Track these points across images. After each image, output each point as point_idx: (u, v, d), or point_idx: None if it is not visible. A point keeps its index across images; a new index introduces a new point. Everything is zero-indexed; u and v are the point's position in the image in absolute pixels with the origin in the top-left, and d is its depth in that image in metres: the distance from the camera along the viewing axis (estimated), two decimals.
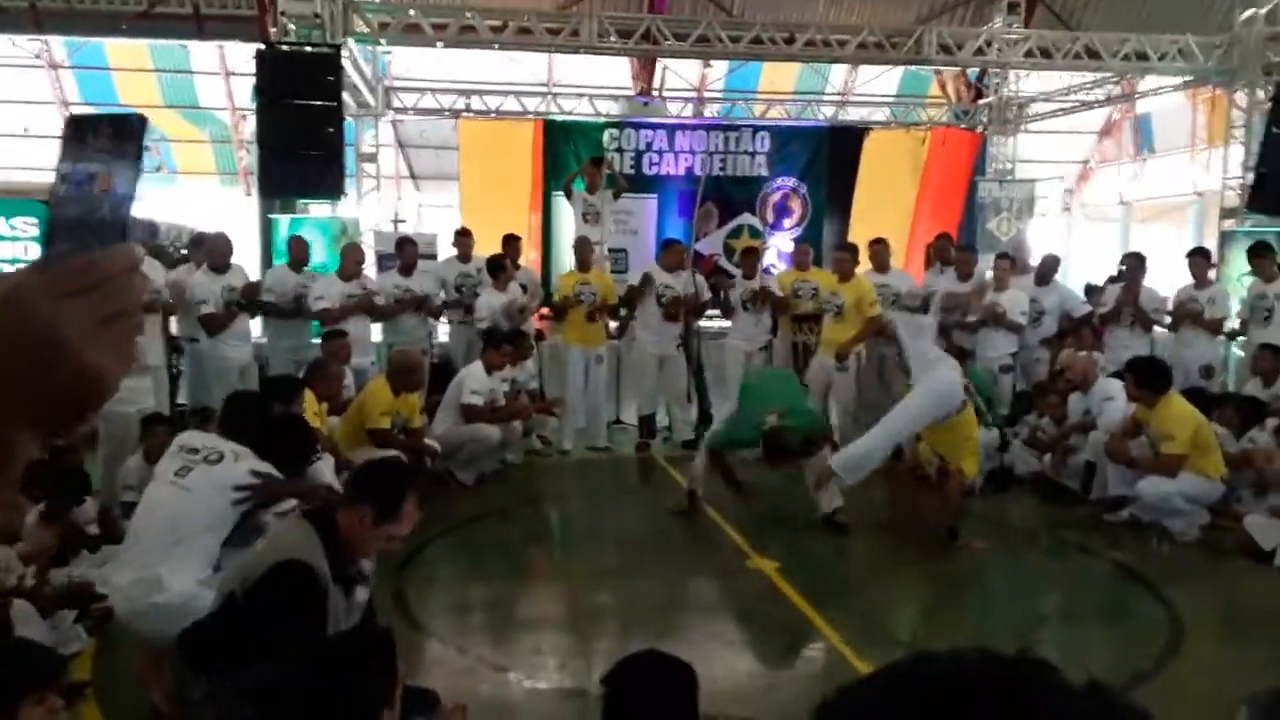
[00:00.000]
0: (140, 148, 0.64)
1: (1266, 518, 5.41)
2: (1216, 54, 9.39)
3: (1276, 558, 5.16)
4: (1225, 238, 9.22)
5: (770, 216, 10.86)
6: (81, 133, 0.64)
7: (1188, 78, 10.22)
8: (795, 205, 10.95)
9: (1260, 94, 9.09)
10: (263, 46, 7.83)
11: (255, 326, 7.23)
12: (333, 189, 7.99)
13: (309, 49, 7.92)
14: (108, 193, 0.62)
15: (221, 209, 13.12)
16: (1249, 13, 9.11)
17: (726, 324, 8.52)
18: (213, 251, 6.77)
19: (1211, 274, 7.66)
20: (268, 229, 8.86)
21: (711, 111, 13.16)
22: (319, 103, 7.65)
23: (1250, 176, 8.94)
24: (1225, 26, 9.37)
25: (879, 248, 7.98)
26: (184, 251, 7.95)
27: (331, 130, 7.64)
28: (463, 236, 8.15)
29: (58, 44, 12.91)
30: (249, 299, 6.73)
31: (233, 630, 2.26)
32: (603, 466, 7.62)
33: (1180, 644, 4.27)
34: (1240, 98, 9.48)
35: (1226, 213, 9.58)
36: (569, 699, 3.73)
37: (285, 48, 7.94)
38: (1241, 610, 5.04)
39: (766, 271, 9.12)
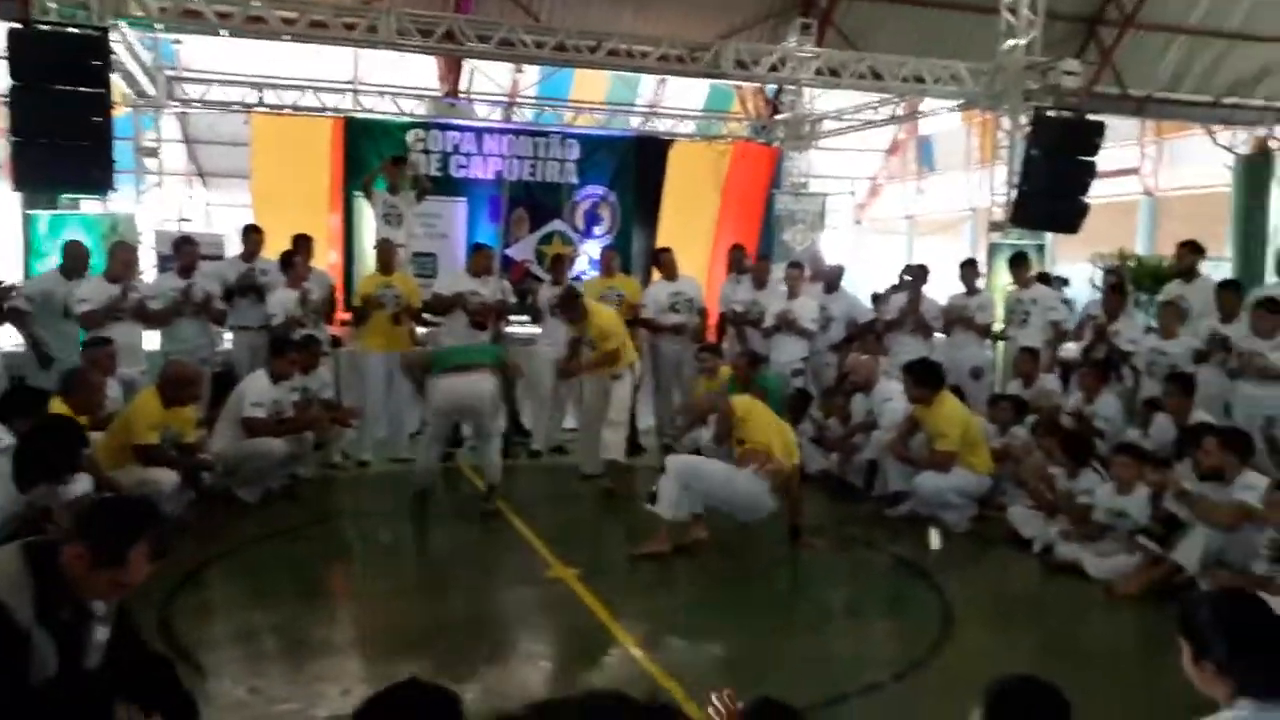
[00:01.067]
0: None
1: (1026, 509, 5.88)
2: (984, 80, 10.21)
3: (1034, 545, 5.62)
4: (992, 249, 10.03)
5: (581, 223, 10.90)
6: None
7: (960, 101, 11.05)
8: (605, 213, 11.04)
9: (1023, 119, 9.95)
10: (18, 25, 7.06)
11: (7, 335, 6.53)
12: (98, 183, 7.31)
13: (72, 30, 7.22)
14: None
15: None
16: (1010, 43, 9.96)
17: (536, 330, 8.46)
18: None
19: (980, 283, 8.31)
20: (27, 226, 8.03)
21: (522, 118, 13.07)
22: (83, 89, 6.98)
23: (1014, 194, 9.76)
24: (991, 55, 10.20)
25: (666, 257, 8.25)
26: None
27: (97, 119, 6.98)
28: (252, 233, 7.69)
29: None
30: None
31: None
32: (404, 478, 7.34)
33: (952, 630, 4.56)
34: (1005, 122, 10.35)
35: (994, 226, 10.42)
36: None
37: (45, 27, 7.20)
38: (1005, 596, 5.45)
39: (577, 278, 9.14)
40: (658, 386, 8.26)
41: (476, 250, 8.18)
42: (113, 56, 7.74)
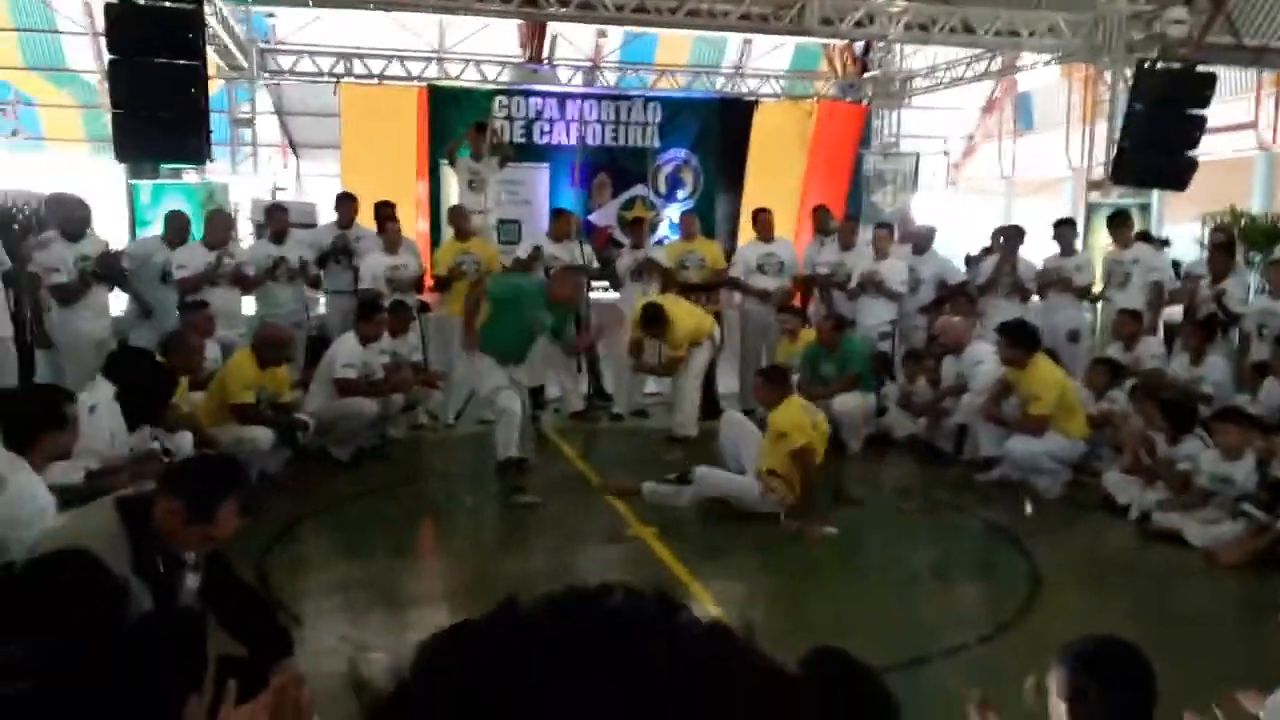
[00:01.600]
0: None
1: (1122, 475, 5.66)
2: (1083, 31, 9.72)
3: (1131, 511, 5.41)
4: (1091, 209, 9.60)
5: (663, 187, 10.84)
6: None
7: (1058, 54, 10.56)
8: (687, 176, 10.95)
9: (1127, 72, 9.46)
10: (115, 1, 7.32)
11: (115, 300, 6.83)
12: (195, 153, 7.56)
13: (167, 4, 7.45)
14: None
15: (90, 177, 12.38)
16: None
17: (616, 295, 8.47)
18: (65, 217, 6.34)
19: (1078, 243, 7.97)
20: (131, 196, 8.38)
21: (606, 82, 13.02)
22: (179, 62, 7.21)
23: (1114, 151, 9.31)
24: (1091, 5, 9.70)
25: (763, 217, 8.08)
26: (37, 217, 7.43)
27: (193, 91, 7.20)
28: (347, 200, 7.87)
29: None
30: (106, 269, 6.33)
31: (8, 604, 2.09)
32: (490, 440, 7.47)
33: (1040, 595, 4.44)
34: (1107, 75, 9.85)
35: (1093, 185, 9.97)
36: None
37: (141, 2, 7.45)
38: (1098, 561, 5.28)
39: (658, 243, 9.11)
40: (744, 349, 8.18)
41: (557, 215, 8.21)
42: (207, 30, 7.97)
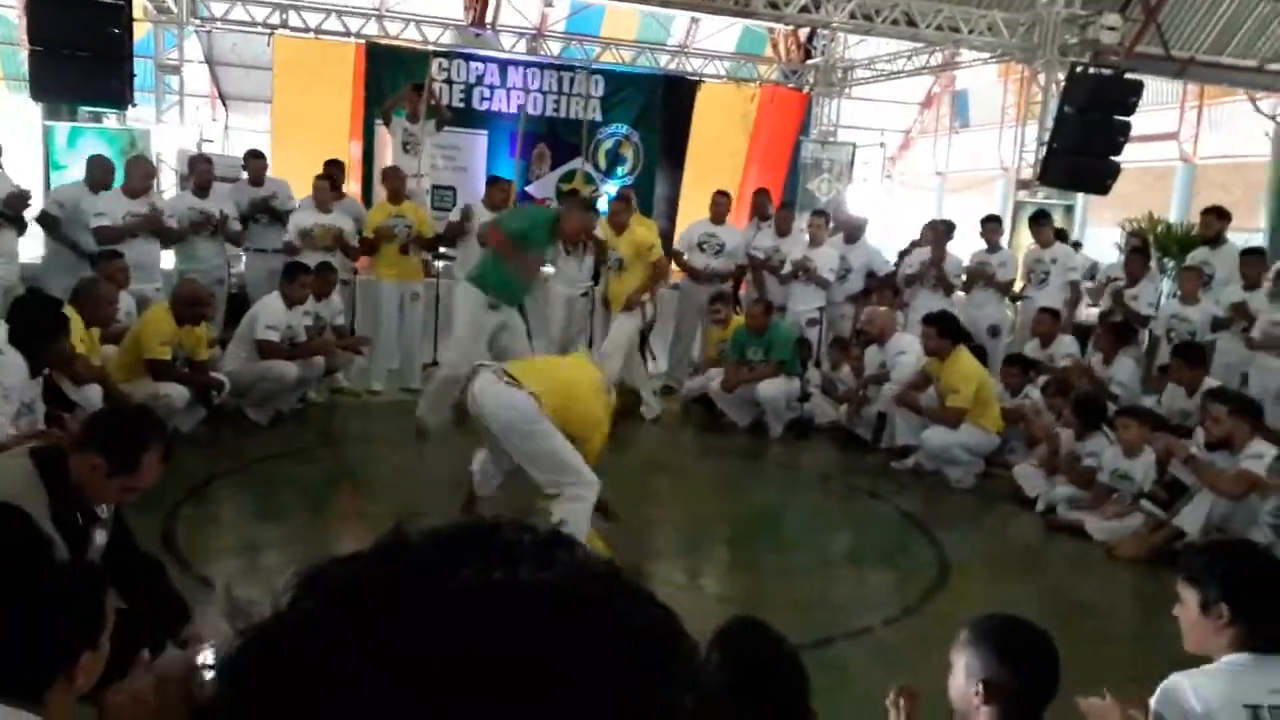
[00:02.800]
0: None
1: (1032, 467, 5.85)
2: (1020, 32, 9.93)
3: (1039, 504, 5.60)
4: (1018, 208, 9.85)
5: (603, 163, 10.76)
6: None
7: (996, 53, 10.77)
8: (628, 153, 10.89)
9: (1059, 74, 9.69)
10: None
11: (33, 246, 6.56)
12: (116, 96, 7.26)
13: None
14: None
15: (3, 116, 11.80)
16: None
17: (550, 269, 8.40)
18: None
19: (1003, 240, 8.18)
20: (46, 137, 8.01)
21: (549, 52, 12.85)
22: (102, 1, 6.90)
23: (1043, 151, 9.56)
24: (1030, 5, 9.90)
25: (721, 200, 8.12)
26: None
27: (116, 31, 6.91)
28: (254, 158, 7.65)
29: None
30: (14, 210, 6.07)
31: None
32: (413, 408, 7.37)
33: (947, 581, 4.57)
34: (1040, 76, 10.08)
35: (1021, 184, 10.22)
36: None
37: None
38: (1004, 551, 5.47)
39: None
40: (678, 328, 8.20)
41: (493, 183, 8.10)
42: None
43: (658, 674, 0.48)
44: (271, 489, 5.40)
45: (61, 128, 7.74)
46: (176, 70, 10.59)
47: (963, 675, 1.94)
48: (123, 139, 7.88)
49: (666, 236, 8.89)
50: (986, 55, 11.03)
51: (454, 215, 7.89)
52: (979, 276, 7.68)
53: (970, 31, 9.89)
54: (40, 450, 2.62)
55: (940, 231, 7.95)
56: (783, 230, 8.13)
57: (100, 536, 2.66)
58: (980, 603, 4.44)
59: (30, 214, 6.31)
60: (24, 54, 13.02)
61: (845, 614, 4.12)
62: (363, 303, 7.78)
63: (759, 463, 6.60)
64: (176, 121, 10.49)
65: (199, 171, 7.06)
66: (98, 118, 8.41)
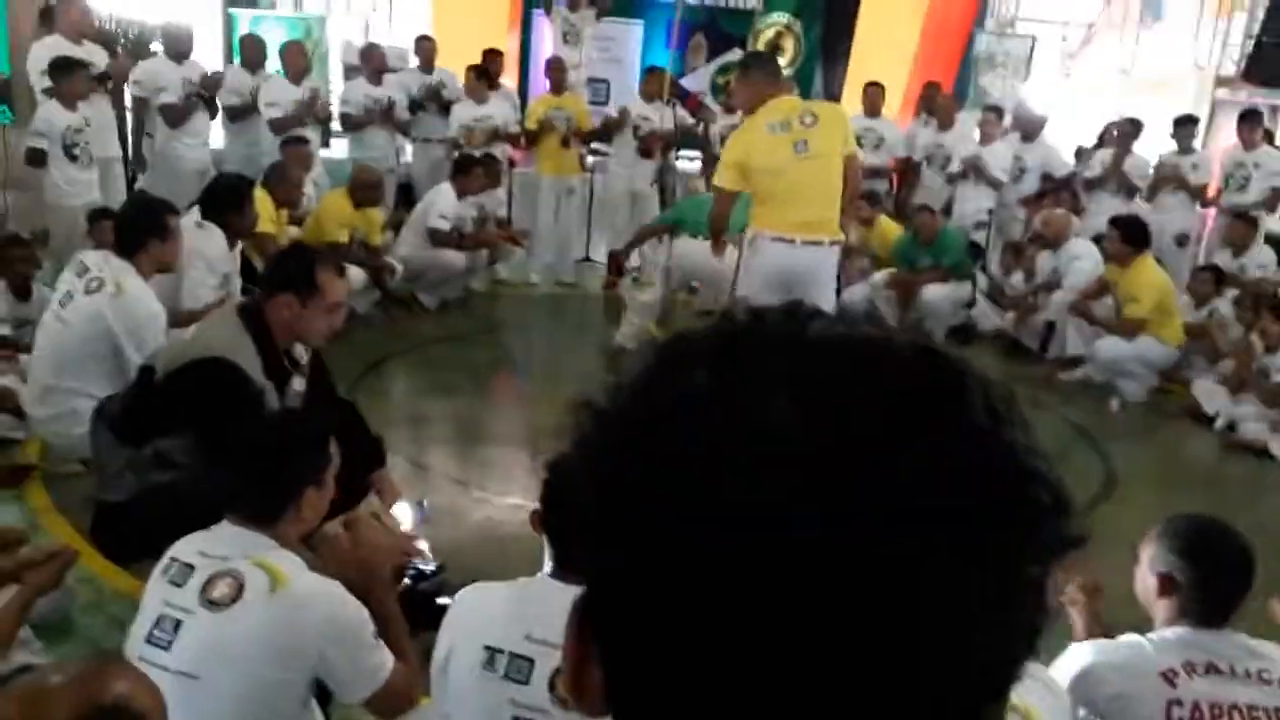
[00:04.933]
0: None
1: (1213, 384, 5.51)
2: None
3: (1217, 421, 5.29)
4: (1216, 107, 9.02)
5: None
6: None
7: None
8: (788, 44, 10.51)
9: None
10: None
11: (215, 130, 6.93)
12: None
13: None
14: None
15: (184, 3, 12.38)
16: None
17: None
18: (171, 40, 6.45)
19: (1197, 142, 7.53)
20: (228, 24, 8.38)
21: None
22: None
23: (1250, 46, 8.65)
24: None
25: (873, 91, 7.75)
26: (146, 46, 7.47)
27: None
28: (423, 41, 7.74)
29: None
30: (210, 91, 6.44)
31: (152, 409, 2.24)
32: (570, 301, 7.56)
33: (1112, 493, 4.42)
34: None
35: (1221, 82, 9.33)
36: (517, 510, 3.79)
37: None
38: (1177, 467, 5.22)
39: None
40: None
41: (649, 73, 7.99)
42: None
43: (1013, 413, 0.48)
44: (439, 369, 5.67)
45: (244, 16, 8.07)
46: None
47: (1145, 567, 1.92)
48: (301, 27, 8.15)
49: None
50: None
51: (612, 111, 7.83)
52: (1170, 180, 7.12)
53: None
54: (244, 307, 2.84)
55: (1126, 131, 7.38)
56: (945, 123, 7.70)
57: (298, 383, 2.88)
58: (1149, 515, 4.20)
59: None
60: None
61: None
62: (520, 196, 7.91)
63: None
64: (344, 10, 10.77)
65: (373, 59, 7.23)
66: (273, 5, 8.71)
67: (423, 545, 2.38)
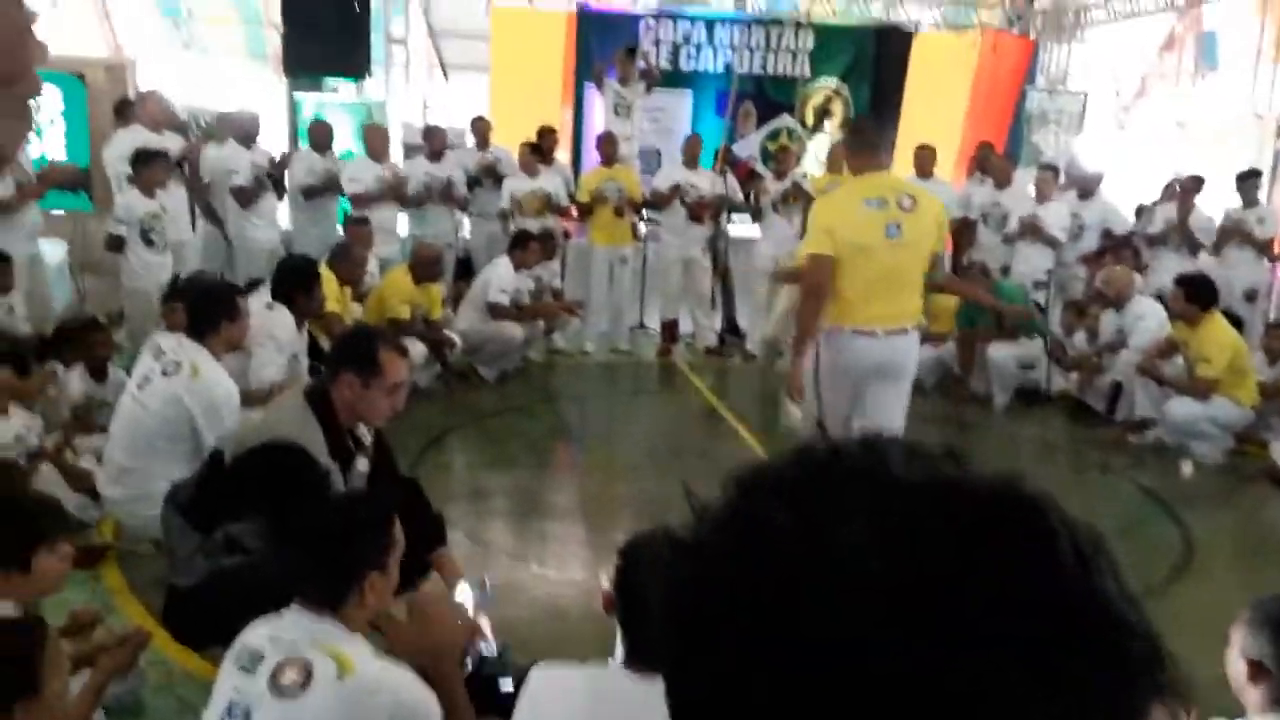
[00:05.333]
0: None
1: None
2: None
3: None
4: (1278, 157, 8.84)
5: (810, 119, 10.55)
6: None
7: None
8: (837, 108, 10.62)
9: None
10: None
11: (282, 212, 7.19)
12: (357, 68, 7.84)
13: None
14: None
15: (250, 89, 12.95)
16: None
17: (756, 229, 8.35)
18: (240, 126, 6.76)
19: (1262, 195, 7.38)
20: (293, 111, 8.72)
21: (755, 7, 12.66)
22: None
23: None
24: None
25: (923, 153, 7.76)
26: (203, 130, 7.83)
27: (357, 9, 7.43)
28: (479, 121, 8.02)
29: None
30: (278, 173, 6.71)
31: (221, 493, 2.30)
32: (624, 369, 7.61)
33: (1192, 564, 4.25)
34: None
35: None
36: (577, 586, 3.77)
37: None
38: (1257, 535, 5.00)
39: (804, 176, 8.90)
40: None
41: (690, 139, 8.14)
42: None
43: (1100, 557, 0.48)
44: (498, 442, 5.72)
45: (309, 100, 8.41)
46: (402, 42, 11.25)
47: (1235, 652, 1.85)
48: (362, 111, 8.47)
49: None
50: None
51: (661, 185, 7.95)
52: (1235, 235, 6.97)
53: None
54: (310, 390, 2.91)
55: (1188, 187, 7.27)
56: (1001, 182, 7.66)
57: (363, 464, 2.92)
58: (1231, 587, 4.10)
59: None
60: (267, 32, 14.30)
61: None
62: (574, 266, 8.04)
63: (979, 432, 6.33)
64: (402, 92, 11.17)
65: (434, 140, 7.50)
66: (334, 91, 9.08)
67: (485, 627, 2.38)
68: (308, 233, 6.94)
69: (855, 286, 3.67)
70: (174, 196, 6.05)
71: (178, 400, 3.48)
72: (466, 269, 7.52)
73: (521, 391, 6.59)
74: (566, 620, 3.38)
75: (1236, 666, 1.87)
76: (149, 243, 5.65)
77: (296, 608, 1.90)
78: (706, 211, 7.71)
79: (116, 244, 5.63)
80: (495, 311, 6.41)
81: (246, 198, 6.59)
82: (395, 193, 7.02)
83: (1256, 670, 1.81)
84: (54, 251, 6.75)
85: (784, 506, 0.47)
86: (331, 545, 1.94)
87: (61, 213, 6.90)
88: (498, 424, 5.92)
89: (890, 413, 3.80)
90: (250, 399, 3.87)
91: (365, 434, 2.90)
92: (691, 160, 7.82)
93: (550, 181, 7.58)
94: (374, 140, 7.11)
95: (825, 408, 3.83)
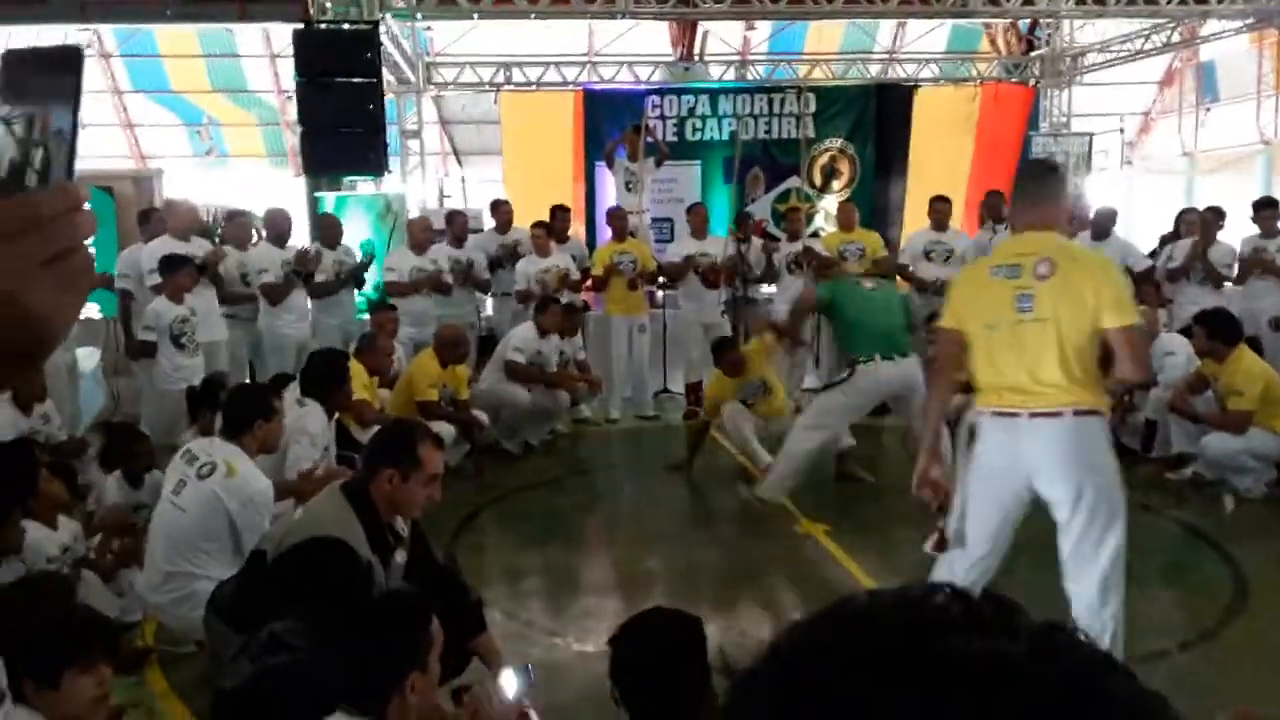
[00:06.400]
0: (78, 80, 0.61)
1: None
2: None
3: None
4: None
5: (818, 179, 10.70)
6: (18, 72, 0.61)
7: (1249, 20, 9.77)
8: (843, 166, 10.77)
9: None
10: (300, 26, 7.86)
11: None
12: (376, 165, 8.05)
13: (346, 27, 7.94)
14: (45, 132, 0.60)
15: (272, 190, 13.32)
16: None
17: (772, 289, 8.41)
18: (273, 225, 6.98)
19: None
20: (314, 208, 8.94)
21: (755, 75, 12.95)
22: (359, 80, 7.68)
23: None
24: None
25: (941, 206, 7.84)
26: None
27: (372, 107, 7.67)
28: (500, 205, 8.21)
29: (108, 33, 13.13)
30: (308, 268, 6.86)
31: (264, 592, 2.32)
32: (651, 435, 7.62)
33: (1246, 602, 4.15)
34: None
35: None
36: None
37: (323, 26, 7.97)
38: None
39: (814, 234, 9.00)
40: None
41: (691, 211, 8.28)
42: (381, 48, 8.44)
43: None
44: (530, 518, 5.71)
45: (329, 197, 8.64)
46: (416, 134, 11.57)
47: None
48: (380, 203, 8.69)
49: (893, 246, 8.68)
50: (1239, 24, 10.03)
51: (671, 252, 8.09)
52: (1257, 265, 6.95)
53: (1220, 1, 9.05)
54: (348, 485, 2.94)
55: (1208, 220, 7.27)
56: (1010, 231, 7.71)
57: (400, 556, 2.94)
58: None
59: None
60: (285, 133, 14.76)
61: (1134, 636, 3.82)
62: (594, 337, 8.12)
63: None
64: (419, 181, 11.44)
65: (456, 225, 7.71)
66: (354, 185, 9.33)
67: (534, 716, 2.36)
68: (325, 324, 7.08)
69: (982, 362, 3.08)
70: (203, 300, 6.19)
71: (215, 500, 3.52)
72: (490, 347, 7.60)
73: (551, 465, 6.61)
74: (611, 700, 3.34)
75: None
76: (180, 346, 5.77)
77: (340, 715, 1.89)
78: (719, 275, 7.80)
79: (148, 350, 5.75)
80: (511, 370, 6.48)
81: (276, 293, 6.74)
82: (434, 282, 7.18)
83: None
84: (87, 356, 6.92)
85: (817, 693, 0.46)
86: (368, 649, 1.95)
87: (96, 317, 7.08)
88: (529, 499, 5.92)
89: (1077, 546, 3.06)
90: (286, 492, 3.91)
91: (403, 526, 2.93)
92: (699, 230, 7.94)
93: (561, 260, 7.71)
94: (416, 232, 7.34)
95: (967, 513, 3.15)
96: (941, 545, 3.22)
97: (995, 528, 3.14)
